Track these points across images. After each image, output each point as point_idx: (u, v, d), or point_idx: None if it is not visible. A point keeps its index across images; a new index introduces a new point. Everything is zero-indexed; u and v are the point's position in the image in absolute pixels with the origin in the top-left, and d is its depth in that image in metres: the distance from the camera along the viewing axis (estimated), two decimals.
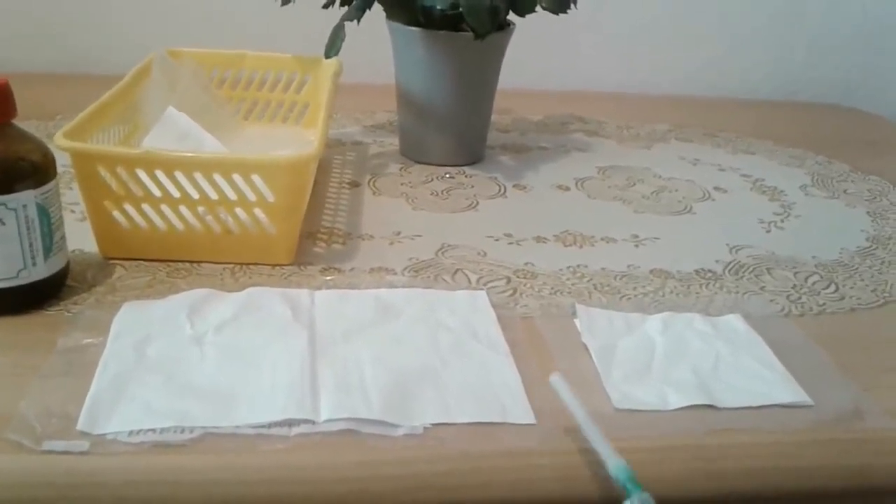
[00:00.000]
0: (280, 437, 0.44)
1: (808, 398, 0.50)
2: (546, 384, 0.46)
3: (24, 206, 0.51)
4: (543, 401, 0.47)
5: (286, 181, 0.58)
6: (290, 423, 0.44)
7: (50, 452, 0.42)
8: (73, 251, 0.59)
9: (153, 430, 0.43)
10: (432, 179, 0.80)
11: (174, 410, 0.44)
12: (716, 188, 0.84)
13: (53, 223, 0.53)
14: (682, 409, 0.48)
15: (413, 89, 0.81)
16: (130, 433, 0.43)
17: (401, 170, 0.82)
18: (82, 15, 1.04)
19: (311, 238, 0.66)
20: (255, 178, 0.57)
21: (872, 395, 0.51)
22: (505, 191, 0.79)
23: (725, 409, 0.48)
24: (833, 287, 0.64)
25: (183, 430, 0.43)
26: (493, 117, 0.86)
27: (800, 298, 0.62)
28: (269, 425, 0.44)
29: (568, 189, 0.81)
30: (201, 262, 0.60)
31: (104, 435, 0.43)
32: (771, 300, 0.62)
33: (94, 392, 0.45)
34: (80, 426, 0.43)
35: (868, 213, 0.80)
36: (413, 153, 0.85)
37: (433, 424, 0.45)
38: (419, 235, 0.68)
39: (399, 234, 0.68)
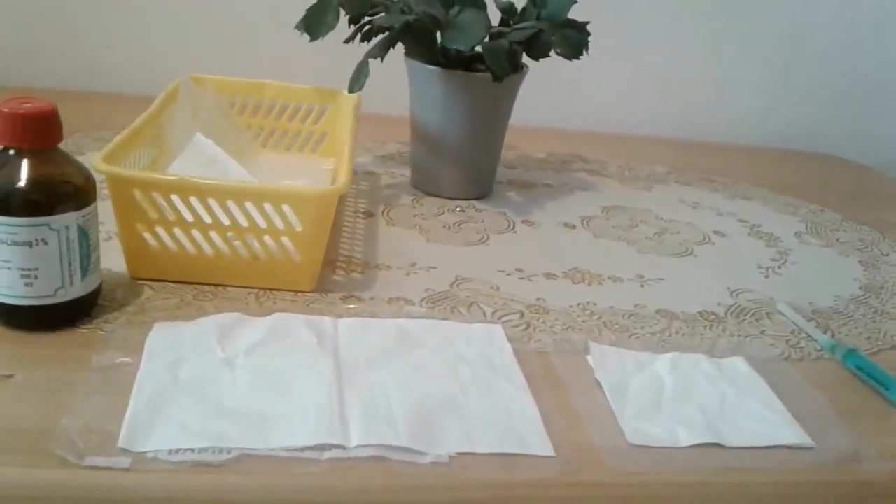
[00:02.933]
0: (313, 461, 0.45)
1: (810, 440, 0.52)
2: (563, 418, 0.49)
3: (67, 228, 0.52)
4: (561, 434, 0.50)
5: (314, 212, 0.60)
6: (322, 447, 0.46)
7: (93, 468, 0.43)
8: (105, 269, 0.60)
9: (192, 450, 0.45)
10: (444, 212, 0.83)
11: (211, 431, 0.46)
12: (715, 232, 0.87)
13: (91, 244, 0.55)
14: (691, 446, 0.51)
15: (428, 124, 0.84)
16: (170, 452, 0.44)
17: (413, 201, 0.85)
18: (101, 32, 1.07)
19: (331, 266, 0.68)
20: (286, 207, 0.59)
21: (865, 439, 0.54)
22: (514, 226, 0.82)
23: (732, 447, 0.51)
24: (829, 333, 0.67)
25: (220, 451, 0.45)
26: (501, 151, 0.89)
27: (798, 343, 0.65)
28: (303, 449, 0.46)
29: (574, 227, 0.84)
30: (227, 285, 0.62)
31: (144, 453, 0.44)
32: (771, 344, 0.65)
33: (132, 411, 0.47)
34: (120, 443, 0.45)
35: (860, 262, 0.84)
36: (424, 185, 0.87)
37: (458, 454, 0.47)
38: (434, 267, 0.70)
39: (414, 265, 0.70)
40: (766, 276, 0.77)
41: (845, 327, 0.69)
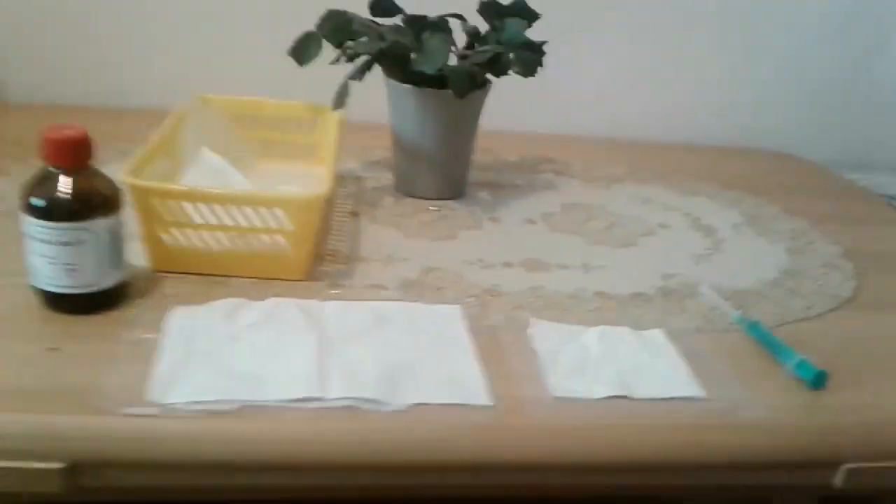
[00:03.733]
0: (299, 410, 0.58)
1: (703, 393, 0.65)
2: (502, 378, 0.61)
3: (100, 231, 0.65)
4: (499, 390, 0.62)
5: (302, 214, 0.73)
6: (307, 399, 0.59)
7: (128, 416, 0.56)
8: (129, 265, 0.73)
9: (204, 402, 0.57)
10: (421, 212, 0.95)
11: (219, 387, 0.59)
12: (660, 225, 0.99)
13: (120, 243, 0.67)
14: (604, 398, 0.63)
15: (405, 135, 0.96)
16: (188, 403, 0.57)
17: (394, 202, 0.97)
18: (118, 54, 1.19)
19: (320, 259, 0.80)
20: (278, 211, 0.72)
21: (753, 394, 0.66)
22: (481, 223, 0.94)
23: (637, 399, 0.63)
24: (742, 311, 0.79)
25: (227, 403, 0.58)
26: (475, 157, 1.01)
27: (713, 319, 0.77)
28: (291, 401, 0.58)
29: (535, 223, 0.96)
30: (231, 276, 0.75)
31: (168, 404, 0.57)
32: (689, 319, 0.77)
33: (157, 372, 0.60)
34: (149, 397, 0.57)
35: (787, 249, 0.96)
36: (405, 188, 1.00)
37: (414, 404, 0.60)
38: (408, 259, 0.83)
39: (391, 257, 0.83)
40: (697, 263, 0.89)
41: (757, 305, 0.81)
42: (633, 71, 1.31)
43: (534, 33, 0.93)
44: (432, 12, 0.93)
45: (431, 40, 0.89)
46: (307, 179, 0.92)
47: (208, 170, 0.83)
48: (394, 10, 0.93)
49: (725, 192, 1.13)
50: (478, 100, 0.95)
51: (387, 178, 1.04)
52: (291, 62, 0.89)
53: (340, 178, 1.02)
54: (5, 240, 0.71)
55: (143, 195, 0.71)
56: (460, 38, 0.95)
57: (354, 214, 0.93)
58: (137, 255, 0.74)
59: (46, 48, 1.18)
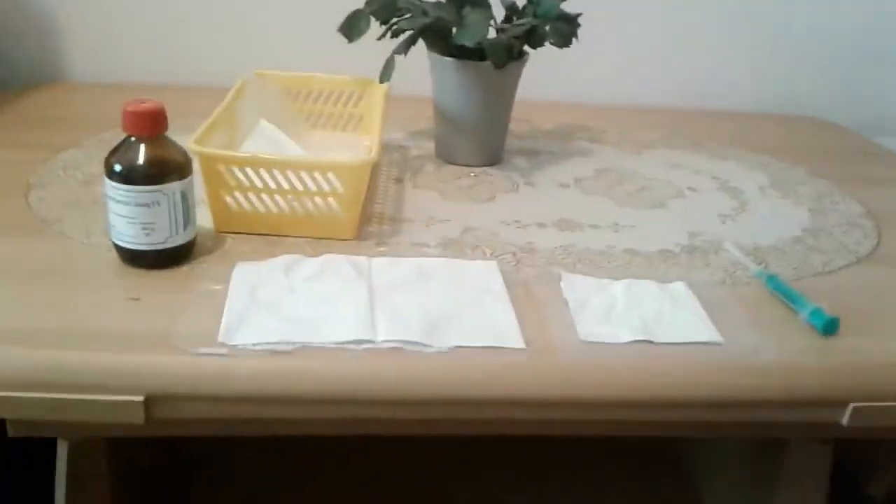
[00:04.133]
0: (352, 350, 0.65)
1: (720, 338, 0.70)
2: (535, 324, 0.68)
3: (173, 193, 0.72)
4: (532, 334, 0.69)
5: (351, 179, 0.79)
6: (358, 342, 0.66)
7: (201, 355, 0.63)
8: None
9: (268, 343, 0.65)
10: (460, 177, 1.01)
11: (280, 330, 0.66)
12: (689, 188, 1.04)
13: (190, 205, 0.75)
14: (629, 342, 0.69)
15: (446, 105, 1.02)
16: (254, 344, 0.64)
17: (435, 169, 1.04)
18: (179, 34, 1.27)
19: (367, 220, 0.87)
20: (330, 175, 0.79)
21: (769, 341, 0.71)
22: (518, 187, 1.00)
23: (659, 343, 0.69)
24: (763, 265, 0.84)
25: (288, 343, 0.65)
26: (512, 125, 1.07)
27: (735, 273, 0.83)
28: (344, 343, 0.65)
29: (568, 186, 1.02)
30: (288, 236, 0.82)
31: (236, 345, 0.64)
32: (712, 273, 0.82)
33: (225, 320, 0.67)
34: (220, 339, 0.65)
35: (810, 209, 1.00)
36: (446, 156, 1.06)
37: (455, 346, 0.66)
38: (448, 220, 0.89)
39: (433, 218, 0.89)
40: (724, 223, 0.94)
41: (777, 260, 0.86)
42: (669, 39, 1.35)
43: (569, 5, 0.98)
44: None
45: (471, 15, 0.94)
46: (355, 148, 1.00)
47: (266, 139, 0.91)
48: None
49: (754, 156, 1.17)
50: (515, 71, 1.01)
51: (429, 147, 1.10)
52: (342, 38, 0.95)
53: (386, 147, 1.09)
54: (86, 204, 0.79)
55: (209, 162, 0.78)
56: (500, 13, 1.00)
57: (399, 181, 0.99)
58: (205, 218, 0.81)
59: (108, 30, 1.26)
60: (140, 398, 0.62)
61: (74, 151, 0.98)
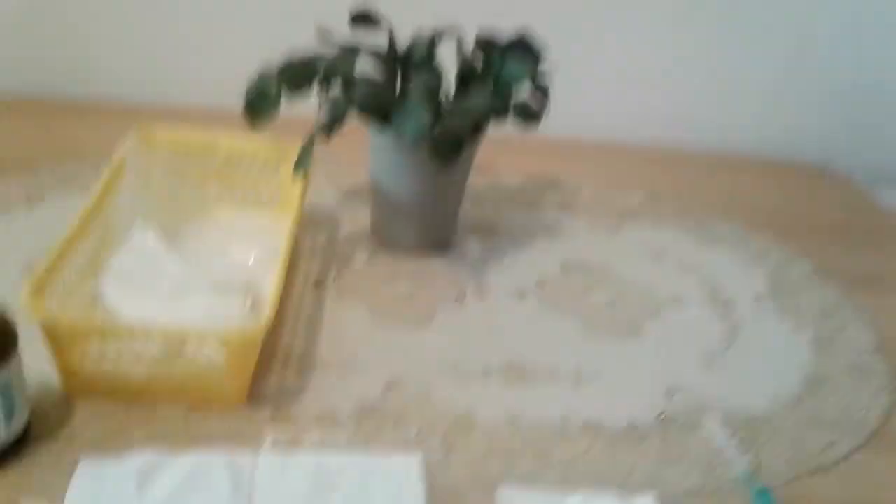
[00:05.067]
0: None
1: None
2: None
3: None
4: None
5: (239, 350, 0.61)
6: None
7: None
8: (39, 381, 0.63)
9: None
10: (397, 278, 0.83)
11: None
12: (672, 299, 0.86)
13: (14, 394, 0.57)
14: None
15: (385, 184, 0.83)
16: None
17: (368, 261, 0.85)
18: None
19: (269, 361, 0.70)
20: (210, 345, 0.60)
21: None
22: (465, 296, 0.82)
23: None
24: (753, 452, 0.68)
25: None
26: (473, 176, 0.87)
27: (716, 470, 0.67)
28: None
29: (525, 297, 0.84)
30: (158, 403, 0.64)
31: None
32: (687, 472, 0.66)
33: None
34: None
35: (813, 338, 0.83)
36: (383, 239, 0.88)
37: None
38: (370, 365, 0.72)
39: (352, 363, 0.72)
40: (708, 367, 0.78)
41: (770, 444, 0.70)
42: (655, 72, 1.16)
43: (539, 30, 0.81)
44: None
45: (413, 95, 0.74)
46: (269, 237, 0.80)
47: (139, 252, 0.71)
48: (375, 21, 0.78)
49: (751, 236, 0.99)
50: (468, 153, 0.82)
51: (364, 217, 0.91)
52: None
53: (311, 223, 0.90)
54: None
55: (47, 324, 0.60)
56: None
57: (319, 284, 0.81)
58: (51, 370, 0.64)
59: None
60: None
61: None
